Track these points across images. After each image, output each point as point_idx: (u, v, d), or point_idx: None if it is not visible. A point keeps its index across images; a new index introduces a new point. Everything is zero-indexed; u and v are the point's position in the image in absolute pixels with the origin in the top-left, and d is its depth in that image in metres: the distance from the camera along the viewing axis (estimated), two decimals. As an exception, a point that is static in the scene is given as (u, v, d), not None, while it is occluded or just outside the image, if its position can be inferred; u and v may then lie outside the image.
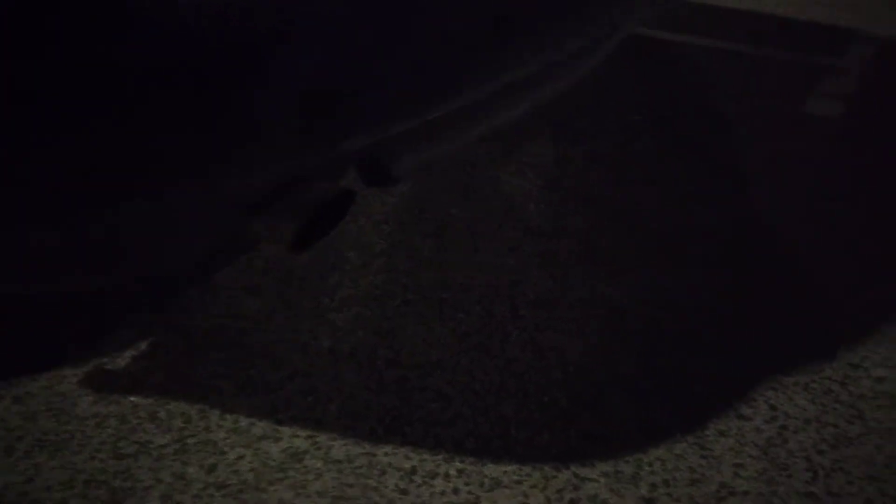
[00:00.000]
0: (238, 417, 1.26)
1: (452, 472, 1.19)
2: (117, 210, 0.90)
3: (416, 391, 1.35)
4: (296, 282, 1.62)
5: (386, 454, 1.22)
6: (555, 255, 1.74)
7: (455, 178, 2.07)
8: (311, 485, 1.15)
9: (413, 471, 1.19)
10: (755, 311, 1.54)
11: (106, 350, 1.40)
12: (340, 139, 1.05)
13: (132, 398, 1.30)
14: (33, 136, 0.77)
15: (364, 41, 0.99)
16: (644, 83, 2.73)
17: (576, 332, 1.50)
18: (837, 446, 1.24)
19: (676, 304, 1.57)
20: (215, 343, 1.43)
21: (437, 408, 1.31)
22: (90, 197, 0.86)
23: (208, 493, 1.12)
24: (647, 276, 1.66)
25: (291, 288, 1.60)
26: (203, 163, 0.90)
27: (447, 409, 1.31)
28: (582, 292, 1.61)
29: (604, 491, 1.16)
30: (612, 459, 1.21)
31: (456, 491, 1.16)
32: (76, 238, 0.95)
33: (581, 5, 1.38)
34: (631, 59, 2.95)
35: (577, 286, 1.63)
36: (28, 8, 0.71)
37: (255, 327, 1.48)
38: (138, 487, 1.13)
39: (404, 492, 1.15)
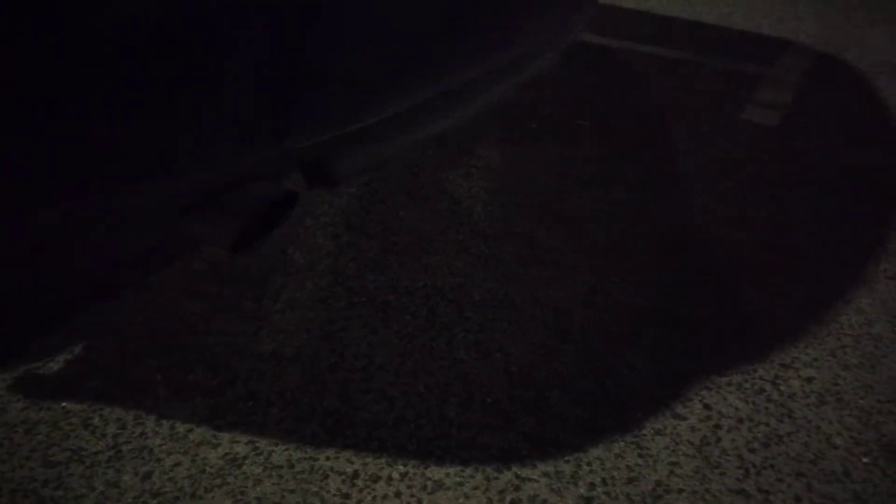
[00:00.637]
0: (175, 423, 1.23)
1: (395, 475, 1.19)
2: (46, 210, 0.87)
3: (360, 394, 1.34)
4: (237, 284, 1.59)
5: (328, 458, 1.21)
6: (500, 257, 1.75)
7: (402, 180, 2.07)
8: (251, 491, 1.13)
9: (355, 475, 1.18)
10: (690, 313, 1.58)
11: (37, 354, 1.35)
12: (280, 139, 1.04)
13: (64, 403, 1.26)
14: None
15: (306, 40, 0.98)
16: (588, 89, 2.77)
17: (520, 334, 1.51)
18: (768, 444, 1.28)
19: (615, 305, 1.60)
20: (152, 347, 1.39)
21: (381, 410, 1.31)
22: (17, 197, 0.83)
23: (143, 501, 1.09)
24: (588, 277, 1.69)
25: (233, 290, 1.57)
26: (138, 161, 0.88)
27: (390, 411, 1.31)
28: (526, 294, 1.63)
29: (544, 491, 1.17)
30: (553, 459, 1.23)
31: (398, 494, 1.16)
32: (5, 238, 0.92)
33: (525, 11, 1.39)
34: (576, 65, 3.00)
35: (521, 288, 1.65)
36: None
37: (195, 330, 1.45)
38: (70, 496, 1.09)
39: (346, 496, 1.14)
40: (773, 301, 1.64)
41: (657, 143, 2.36)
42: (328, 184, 1.29)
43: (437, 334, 1.50)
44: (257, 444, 1.21)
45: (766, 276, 1.73)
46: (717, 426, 1.31)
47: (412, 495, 1.15)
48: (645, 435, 1.29)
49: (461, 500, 1.15)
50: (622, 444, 1.27)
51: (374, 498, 1.14)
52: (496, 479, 1.19)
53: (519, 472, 1.20)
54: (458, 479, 1.19)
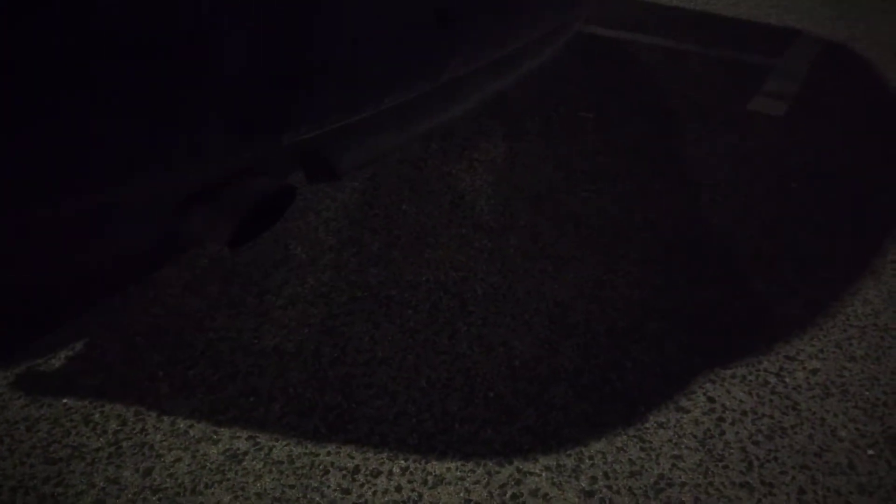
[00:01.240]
0: (176, 419, 1.23)
1: (396, 469, 1.19)
2: (43, 207, 0.86)
3: (361, 389, 1.34)
4: (240, 279, 1.59)
5: (329, 453, 1.20)
6: (503, 251, 1.74)
7: (405, 174, 2.06)
8: (251, 487, 1.13)
9: (356, 470, 1.18)
10: (695, 306, 1.57)
11: (39, 351, 1.35)
12: (279, 134, 1.03)
13: (65, 400, 1.26)
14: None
15: (304, 34, 0.97)
16: (593, 81, 2.75)
17: (523, 328, 1.50)
18: (772, 437, 1.27)
19: (619, 298, 1.59)
20: (154, 343, 1.40)
21: (382, 405, 1.31)
22: (14, 194, 0.83)
23: (143, 497, 1.09)
24: (592, 271, 1.68)
25: (235, 286, 1.57)
26: (134, 157, 0.88)
27: (392, 406, 1.31)
28: (530, 288, 1.62)
29: (545, 485, 1.17)
30: (555, 453, 1.22)
31: (399, 489, 1.15)
32: (3, 236, 0.92)
33: (524, 4, 1.38)
34: (580, 57, 2.98)
35: (525, 282, 1.64)
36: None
37: (197, 326, 1.45)
38: (70, 493, 1.09)
39: (346, 491, 1.14)
40: (778, 293, 1.63)
41: (663, 135, 2.34)
42: (329, 178, 1.29)
43: (439, 329, 1.50)
44: (258, 440, 1.21)
45: (771, 267, 1.71)
46: (721, 419, 1.30)
47: (413, 490, 1.15)
48: (648, 428, 1.28)
49: (462, 495, 1.14)
50: (625, 437, 1.26)
51: (374, 493, 1.14)
52: (497, 473, 1.18)
53: (521, 466, 1.20)
54: (459, 473, 1.18)
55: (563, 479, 1.18)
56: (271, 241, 1.74)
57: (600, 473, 1.19)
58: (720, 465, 1.21)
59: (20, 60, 0.71)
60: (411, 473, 1.18)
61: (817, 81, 2.80)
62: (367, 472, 1.18)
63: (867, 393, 1.37)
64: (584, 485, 1.17)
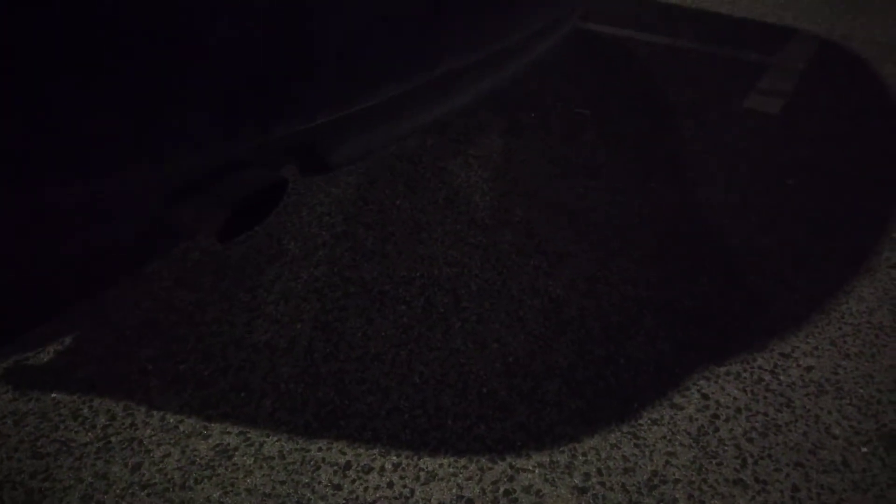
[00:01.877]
0: (166, 414, 1.22)
1: (388, 465, 1.18)
2: (30, 198, 0.85)
3: (354, 384, 1.33)
4: (232, 274, 1.58)
5: (320, 449, 1.19)
6: (498, 246, 1.73)
7: (400, 169, 2.05)
8: (241, 482, 1.12)
9: (347, 465, 1.17)
10: (690, 302, 1.56)
11: (28, 344, 1.34)
12: (271, 126, 1.02)
13: (54, 394, 1.25)
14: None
15: (296, 24, 0.96)
16: (589, 78, 2.74)
17: (517, 324, 1.49)
18: (766, 434, 1.26)
19: (614, 294, 1.58)
20: (145, 337, 1.38)
21: (375, 401, 1.30)
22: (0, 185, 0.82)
23: (131, 493, 1.08)
24: (587, 267, 1.67)
25: (227, 280, 1.56)
26: (122, 148, 0.86)
27: (385, 402, 1.30)
28: (524, 283, 1.61)
29: (538, 481, 1.16)
30: (548, 450, 1.21)
31: (391, 485, 1.14)
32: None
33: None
34: (577, 54, 2.97)
35: (519, 277, 1.63)
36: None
37: (188, 321, 1.44)
38: (57, 488, 1.08)
39: (338, 487, 1.13)
40: (773, 290, 1.62)
41: (659, 132, 2.34)
42: (321, 171, 1.27)
43: (433, 324, 1.49)
44: (249, 435, 1.20)
45: (766, 264, 1.70)
46: (715, 416, 1.30)
47: (405, 486, 1.14)
48: (642, 425, 1.27)
49: (455, 491, 1.14)
50: (618, 434, 1.25)
51: (366, 489, 1.13)
52: (490, 469, 1.18)
53: (514, 463, 1.19)
54: (451, 469, 1.17)
55: (556, 475, 1.17)
56: (264, 236, 1.73)
57: (594, 470, 1.18)
58: (714, 461, 1.21)
59: (6, 51, 0.70)
60: (403, 469, 1.17)
61: (814, 79, 2.80)
62: (359, 468, 1.17)
63: (861, 390, 1.36)
64: (577, 481, 1.16)
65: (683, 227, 1.84)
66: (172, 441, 1.17)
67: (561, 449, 1.21)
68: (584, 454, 1.21)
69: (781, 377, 1.39)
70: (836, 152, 2.24)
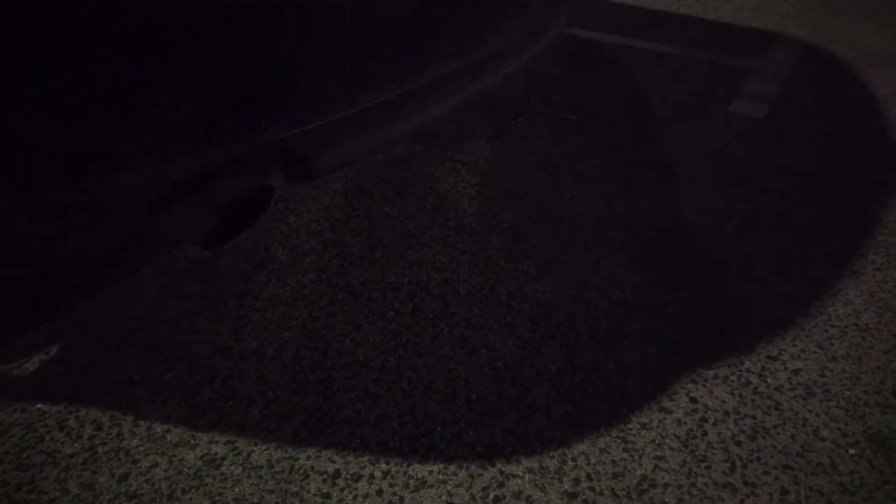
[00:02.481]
0: (153, 424, 1.21)
1: (377, 473, 1.17)
2: (10, 204, 0.84)
3: (342, 392, 1.32)
4: (219, 281, 1.57)
5: (308, 458, 1.19)
6: (486, 252, 1.73)
7: (387, 175, 2.05)
8: (229, 492, 1.11)
9: (336, 474, 1.16)
10: (678, 306, 1.57)
11: (12, 355, 1.32)
12: (255, 132, 1.02)
13: (40, 405, 1.23)
14: None
15: (281, 29, 0.95)
16: (576, 84, 2.76)
17: (506, 329, 1.49)
18: (755, 437, 1.27)
19: (602, 299, 1.59)
20: (131, 347, 1.37)
21: (363, 408, 1.29)
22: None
23: (118, 504, 1.07)
24: (575, 272, 1.67)
25: (214, 288, 1.55)
26: (105, 153, 0.86)
27: (373, 409, 1.29)
28: (512, 289, 1.61)
29: (528, 487, 1.16)
30: (537, 455, 1.21)
31: (380, 493, 1.14)
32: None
33: (506, 4, 1.38)
34: (563, 60, 2.98)
35: (507, 283, 1.63)
36: None
37: (174, 329, 1.43)
38: (43, 499, 1.07)
39: (327, 496, 1.13)
40: (760, 293, 1.63)
41: (645, 137, 2.35)
42: (308, 178, 1.27)
43: (421, 330, 1.48)
44: (236, 444, 1.19)
45: (753, 268, 1.71)
46: (704, 419, 1.30)
47: (394, 493, 1.14)
48: (631, 429, 1.27)
49: (444, 498, 1.13)
50: (608, 438, 1.25)
51: (355, 497, 1.12)
52: (480, 475, 1.17)
53: (503, 469, 1.19)
54: (441, 476, 1.17)
55: (545, 480, 1.17)
56: (251, 243, 1.72)
57: (583, 475, 1.18)
58: (703, 465, 1.21)
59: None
60: (393, 477, 1.16)
61: (798, 84, 2.82)
62: (348, 476, 1.16)
63: (848, 393, 1.37)
64: (566, 487, 1.16)
65: (669, 231, 1.85)
66: (160, 451, 1.16)
67: (550, 454, 1.21)
68: (573, 459, 1.21)
69: (769, 380, 1.40)
70: (821, 156, 2.26)
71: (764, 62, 3.04)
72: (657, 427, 1.28)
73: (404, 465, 1.19)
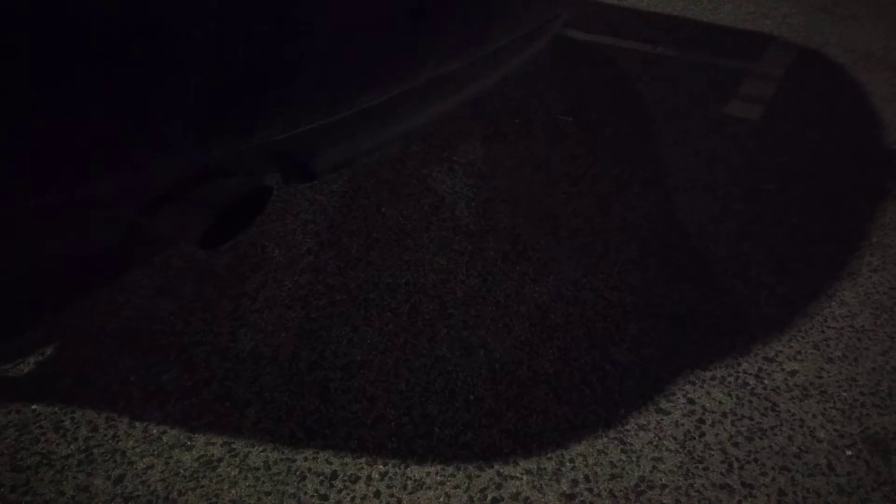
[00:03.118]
0: (149, 425, 1.20)
1: (375, 474, 1.17)
2: (3, 206, 0.84)
3: (339, 393, 1.32)
4: (215, 282, 1.57)
5: (306, 459, 1.18)
6: (483, 253, 1.73)
7: (384, 176, 2.04)
8: (226, 494, 1.10)
9: (334, 475, 1.16)
10: (674, 308, 1.57)
11: (7, 356, 1.31)
12: (251, 133, 1.01)
13: (35, 406, 1.23)
14: None
15: (276, 30, 0.95)
16: (572, 85, 2.76)
17: (503, 330, 1.49)
18: (752, 438, 1.27)
19: (599, 300, 1.59)
20: (127, 347, 1.36)
21: (361, 409, 1.29)
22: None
23: (114, 506, 1.06)
24: (572, 273, 1.67)
25: (210, 289, 1.54)
26: (98, 154, 0.85)
27: (371, 410, 1.29)
28: (510, 290, 1.61)
29: (526, 488, 1.15)
30: (535, 456, 1.21)
31: (378, 494, 1.13)
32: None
33: (501, 5, 1.37)
34: (559, 61, 2.99)
35: (505, 284, 1.63)
36: None
37: (170, 330, 1.42)
38: (38, 501, 1.06)
39: (324, 497, 1.12)
40: (756, 295, 1.63)
41: (641, 139, 2.35)
42: (305, 179, 1.27)
43: (419, 331, 1.48)
44: (233, 446, 1.19)
45: (749, 269, 1.72)
46: (701, 421, 1.30)
47: (392, 495, 1.13)
48: (628, 430, 1.27)
49: (442, 499, 1.13)
50: (605, 440, 1.25)
51: (352, 498, 1.12)
52: (478, 477, 1.17)
53: (501, 470, 1.18)
54: (439, 477, 1.17)
55: (543, 482, 1.17)
56: (248, 244, 1.72)
57: (581, 476, 1.18)
58: (700, 466, 1.21)
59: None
60: (390, 478, 1.16)
61: (793, 86, 2.83)
62: (346, 478, 1.16)
63: (845, 394, 1.38)
64: (564, 488, 1.16)
65: (665, 232, 1.85)
66: (156, 452, 1.16)
67: (548, 455, 1.21)
68: (571, 460, 1.21)
69: (766, 381, 1.40)
70: (816, 158, 2.27)
71: (759, 64, 3.05)
72: (655, 428, 1.28)
73: (402, 466, 1.18)
